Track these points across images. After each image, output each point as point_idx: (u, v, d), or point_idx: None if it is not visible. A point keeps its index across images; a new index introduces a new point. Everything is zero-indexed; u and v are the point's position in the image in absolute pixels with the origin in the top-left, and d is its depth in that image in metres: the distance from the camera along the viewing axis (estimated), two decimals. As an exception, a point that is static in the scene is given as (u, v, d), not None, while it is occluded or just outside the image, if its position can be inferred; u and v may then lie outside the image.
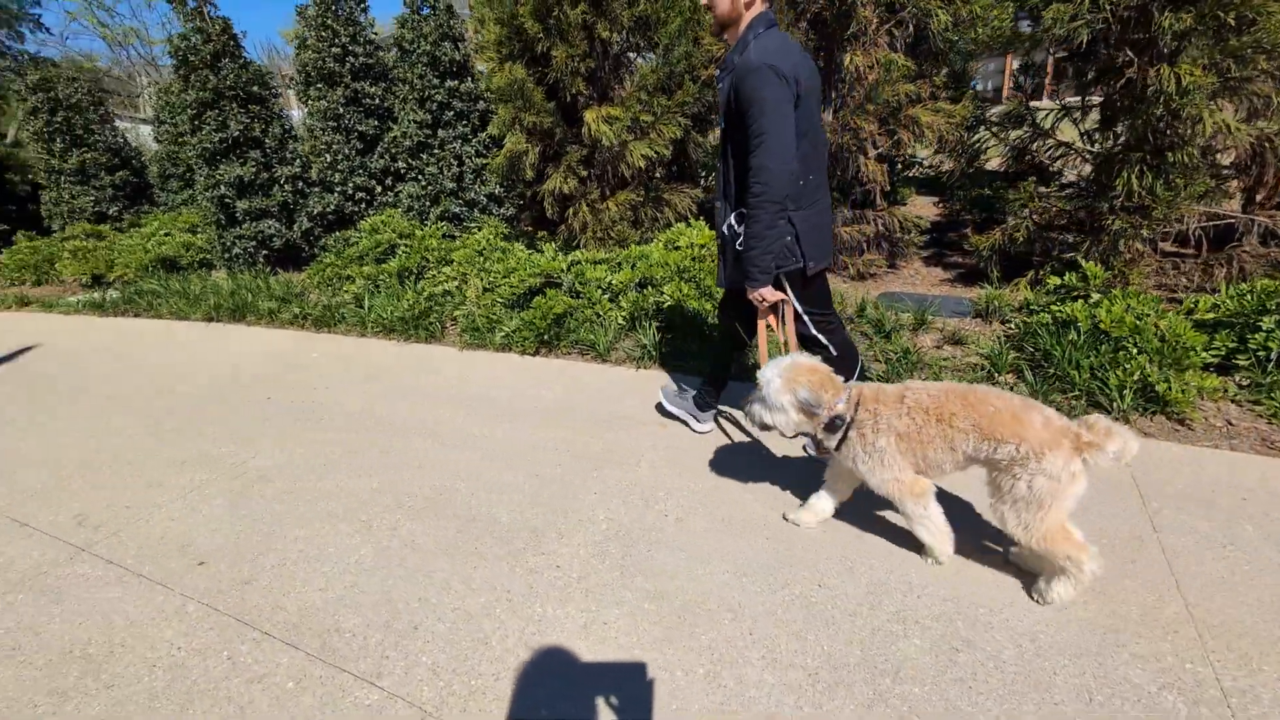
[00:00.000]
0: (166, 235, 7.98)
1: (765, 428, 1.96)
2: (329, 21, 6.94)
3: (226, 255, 6.24)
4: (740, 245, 2.17)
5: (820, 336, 2.32)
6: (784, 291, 2.23)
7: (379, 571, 2.11)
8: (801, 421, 1.89)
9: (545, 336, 4.01)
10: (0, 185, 10.40)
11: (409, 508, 2.47)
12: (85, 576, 2.19)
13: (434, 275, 5.05)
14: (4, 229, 10.03)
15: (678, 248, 4.77)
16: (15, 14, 28.90)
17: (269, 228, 6.04)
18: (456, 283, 4.89)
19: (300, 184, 6.40)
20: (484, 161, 6.66)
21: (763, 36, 2.04)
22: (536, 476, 2.62)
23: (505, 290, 4.55)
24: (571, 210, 5.55)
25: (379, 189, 7.57)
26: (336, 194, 6.96)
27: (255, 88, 6.08)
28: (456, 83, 6.33)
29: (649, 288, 4.14)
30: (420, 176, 6.57)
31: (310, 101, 7.16)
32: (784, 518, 2.21)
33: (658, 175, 5.71)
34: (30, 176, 11.23)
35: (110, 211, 10.75)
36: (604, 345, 3.85)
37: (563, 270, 4.56)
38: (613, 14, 4.91)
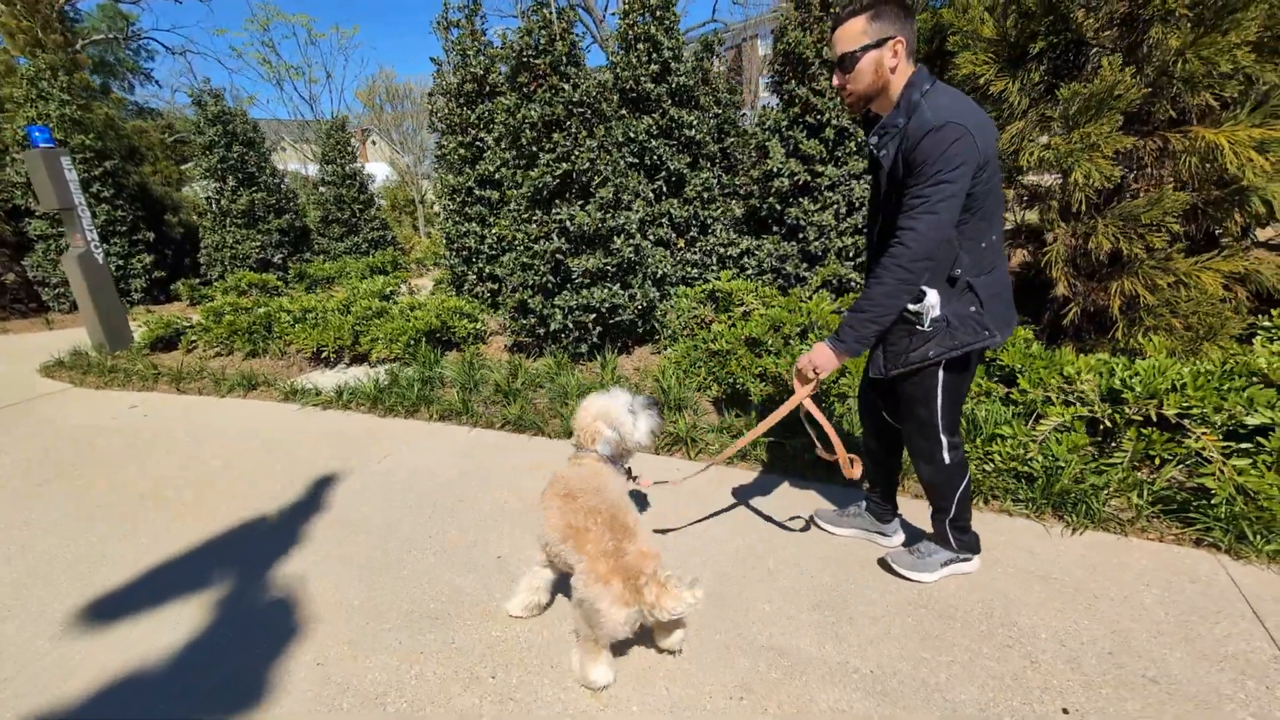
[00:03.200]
0: (388, 295, 6.32)
1: None
2: (651, 31, 5.40)
3: (540, 330, 4.42)
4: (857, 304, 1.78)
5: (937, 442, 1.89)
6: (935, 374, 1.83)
7: None
8: None
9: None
10: (157, 227, 9.01)
11: None
12: None
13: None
14: (161, 275, 8.57)
15: None
16: (130, 67, 29.80)
17: (613, 295, 4.21)
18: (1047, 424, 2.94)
19: (637, 236, 4.64)
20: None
21: (931, 93, 1.69)
22: None
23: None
24: (1116, 285, 3.65)
25: (681, 244, 5.85)
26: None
27: (602, 105, 4.42)
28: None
29: None
30: (804, 224, 4.77)
31: (609, 134, 5.55)
32: None
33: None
34: (183, 217, 9.94)
35: (275, 259, 9.32)
36: None
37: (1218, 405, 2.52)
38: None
